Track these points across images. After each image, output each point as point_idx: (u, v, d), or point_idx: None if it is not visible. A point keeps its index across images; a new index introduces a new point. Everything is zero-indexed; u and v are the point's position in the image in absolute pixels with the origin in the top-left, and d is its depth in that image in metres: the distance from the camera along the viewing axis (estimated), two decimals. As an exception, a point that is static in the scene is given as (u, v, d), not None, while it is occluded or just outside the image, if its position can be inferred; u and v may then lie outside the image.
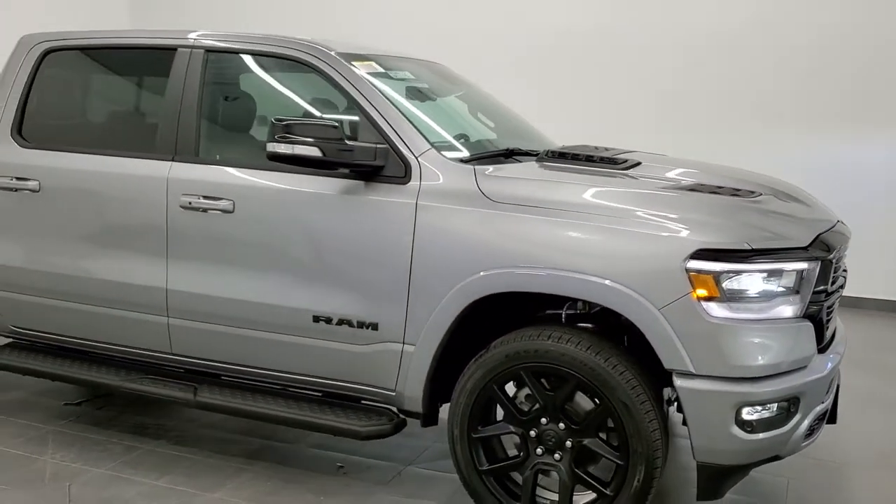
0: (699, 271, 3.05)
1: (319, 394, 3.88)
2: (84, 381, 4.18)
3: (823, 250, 3.27)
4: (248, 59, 4.01)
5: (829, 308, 3.40)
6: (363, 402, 3.81)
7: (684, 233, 3.10)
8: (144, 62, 4.30)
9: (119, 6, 10.97)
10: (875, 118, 7.69)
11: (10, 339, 4.53)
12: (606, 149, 4.07)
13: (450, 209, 3.40)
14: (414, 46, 5.27)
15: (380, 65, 3.96)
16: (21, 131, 4.26)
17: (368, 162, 3.46)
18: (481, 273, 3.30)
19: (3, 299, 4.31)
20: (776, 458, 3.28)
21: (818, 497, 3.96)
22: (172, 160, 3.88)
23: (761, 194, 3.54)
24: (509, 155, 3.89)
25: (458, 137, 4.02)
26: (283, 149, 3.41)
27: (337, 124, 3.46)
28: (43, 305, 4.22)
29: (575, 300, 3.50)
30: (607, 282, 3.12)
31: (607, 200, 3.30)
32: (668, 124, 8.14)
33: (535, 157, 3.90)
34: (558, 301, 3.49)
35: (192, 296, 3.85)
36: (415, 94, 4.12)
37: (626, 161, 3.76)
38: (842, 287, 3.59)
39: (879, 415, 5.05)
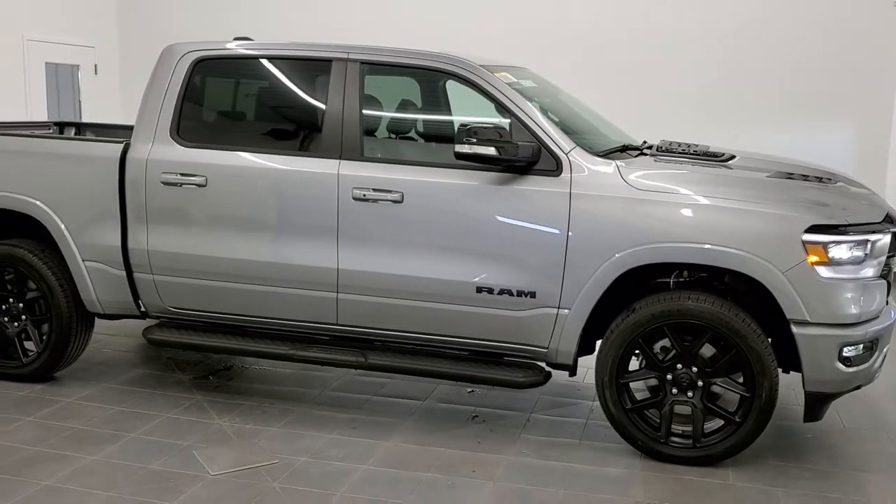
0: (812, 242, 3.93)
1: (466, 353, 4.58)
2: (252, 352, 4.75)
3: (891, 224, 4.20)
4: (399, 71, 4.65)
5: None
6: (505, 358, 4.54)
7: (799, 212, 3.97)
8: (296, 71, 4.85)
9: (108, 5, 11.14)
10: (836, 112, 8.89)
11: (159, 320, 5.02)
12: (690, 144, 4.89)
13: (600, 196, 4.16)
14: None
15: (511, 74, 4.66)
16: (179, 132, 4.76)
17: (528, 158, 4.18)
18: (634, 248, 4.07)
19: (165, 283, 4.80)
20: (858, 387, 4.20)
21: (863, 419, 4.91)
22: (340, 158, 4.48)
23: (838, 181, 4.46)
24: (623, 150, 4.67)
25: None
26: (466, 149, 4.10)
27: (505, 127, 4.18)
28: (205, 287, 4.73)
29: (681, 269, 4.34)
30: (744, 253, 3.95)
31: (731, 187, 4.13)
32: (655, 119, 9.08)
33: (638, 151, 4.69)
34: (666, 270, 4.31)
35: (363, 273, 4.47)
36: (539, 97, 4.83)
37: (723, 155, 4.60)
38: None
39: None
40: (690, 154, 4.60)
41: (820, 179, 4.41)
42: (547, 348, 4.35)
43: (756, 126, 9.02)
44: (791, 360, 4.15)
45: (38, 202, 4.90)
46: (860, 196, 4.39)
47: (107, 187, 4.81)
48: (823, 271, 3.94)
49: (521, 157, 4.17)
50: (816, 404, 4.15)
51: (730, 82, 9.13)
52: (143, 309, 4.98)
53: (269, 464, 4.15)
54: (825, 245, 3.94)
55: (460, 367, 4.47)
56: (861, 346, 4.06)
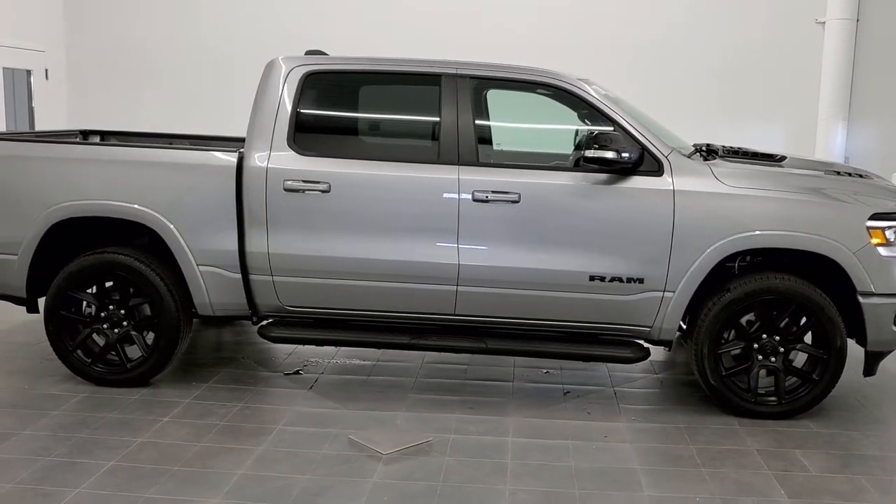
0: (874, 227, 4.78)
1: (562, 334, 5.15)
2: (373, 343, 5.14)
3: (918, 211, 5.12)
4: (506, 85, 5.17)
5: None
6: (601, 337, 5.15)
7: (862, 203, 4.82)
8: (404, 85, 5.26)
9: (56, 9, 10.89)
10: (769, 113, 10.06)
11: (270, 318, 5.30)
12: (740, 147, 5.67)
13: (699, 193, 4.84)
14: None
15: (598, 86, 5.27)
16: (295, 141, 5.07)
17: (636, 161, 4.81)
18: (732, 237, 4.78)
19: (285, 283, 5.09)
20: (901, 347, 5.11)
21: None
22: (458, 165, 4.95)
23: (872, 176, 5.35)
24: (696, 152, 5.37)
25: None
26: (592, 153, 4.70)
27: (618, 134, 4.79)
28: (327, 285, 5.06)
29: (745, 255, 5.10)
30: (824, 238, 4.75)
31: (803, 184, 4.92)
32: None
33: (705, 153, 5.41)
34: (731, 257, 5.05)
35: (482, 267, 4.95)
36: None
37: (777, 156, 5.41)
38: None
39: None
40: (751, 156, 5.38)
41: (861, 176, 5.29)
42: (651, 327, 4.99)
43: (699, 126, 10.00)
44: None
45: (151, 211, 5.07)
46: (891, 189, 5.30)
47: (223, 194, 5.05)
48: (883, 251, 4.80)
49: (631, 160, 4.79)
50: (874, 361, 5.02)
51: (676, 87, 10.13)
52: (254, 309, 5.23)
53: (426, 441, 4.58)
54: (884, 229, 4.81)
55: (573, 347, 5.05)
56: (906, 312, 4.95)
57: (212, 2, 10.97)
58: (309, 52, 5.50)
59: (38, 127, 10.30)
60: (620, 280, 4.92)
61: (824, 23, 10.04)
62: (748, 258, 5.17)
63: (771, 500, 3.98)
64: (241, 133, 7.12)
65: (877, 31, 10.00)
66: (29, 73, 10.29)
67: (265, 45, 10.79)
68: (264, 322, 5.30)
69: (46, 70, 10.46)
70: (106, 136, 7.06)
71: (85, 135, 6.98)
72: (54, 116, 10.56)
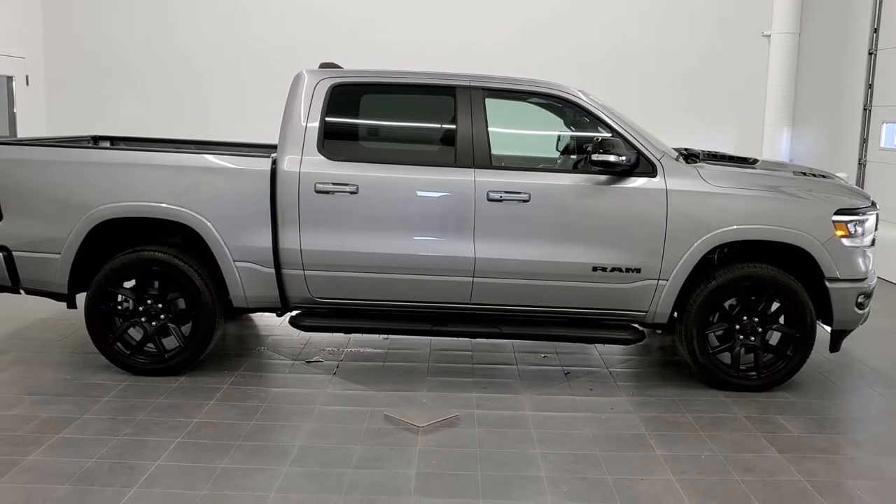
0: (839, 221, 5.48)
1: (566, 319, 5.73)
2: (398, 330, 5.66)
3: (875, 207, 5.85)
4: (516, 96, 5.73)
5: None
6: (602, 321, 5.75)
7: (829, 199, 5.52)
8: (422, 95, 5.77)
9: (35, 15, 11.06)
10: (720, 118, 10.86)
11: (298, 310, 5.76)
12: (716, 152, 6.35)
13: (689, 192, 5.48)
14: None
15: (595, 96, 5.88)
16: (324, 148, 5.54)
17: (632, 163, 5.42)
18: (719, 231, 5.43)
19: (315, 277, 5.55)
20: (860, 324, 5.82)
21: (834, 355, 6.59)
22: (474, 168, 5.49)
23: (833, 177, 6.07)
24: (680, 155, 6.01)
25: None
26: (598, 157, 5.29)
27: (617, 140, 5.40)
28: (355, 278, 5.54)
29: (722, 248, 5.76)
30: (798, 231, 5.43)
31: (778, 184, 5.60)
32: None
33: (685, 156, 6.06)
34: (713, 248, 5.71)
35: (496, 261, 5.50)
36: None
37: (749, 159, 6.09)
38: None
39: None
40: (728, 159, 6.05)
41: (824, 176, 6.01)
42: (646, 312, 5.61)
43: (657, 130, 10.75)
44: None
45: (193, 212, 5.47)
46: (851, 187, 6.03)
47: (259, 196, 5.49)
48: (846, 242, 5.51)
49: (630, 163, 5.40)
50: (839, 339, 5.74)
51: (637, 94, 10.85)
52: (285, 301, 5.68)
53: (454, 416, 5.10)
54: (846, 223, 5.51)
55: (578, 331, 5.64)
56: (865, 294, 5.67)
57: (190, 8, 11.26)
58: (324, 65, 5.97)
59: (21, 133, 10.46)
60: (620, 270, 5.52)
61: (770, 36, 10.89)
62: (725, 249, 5.82)
63: (765, 456, 4.62)
64: (229, 137, 7.66)
65: (817, 45, 10.90)
66: (10, 79, 10.43)
67: (242, 50, 11.21)
68: (295, 313, 5.75)
69: (27, 76, 10.62)
70: (115, 142, 7.39)
71: (95, 140, 7.30)
72: (34, 122, 10.73)
